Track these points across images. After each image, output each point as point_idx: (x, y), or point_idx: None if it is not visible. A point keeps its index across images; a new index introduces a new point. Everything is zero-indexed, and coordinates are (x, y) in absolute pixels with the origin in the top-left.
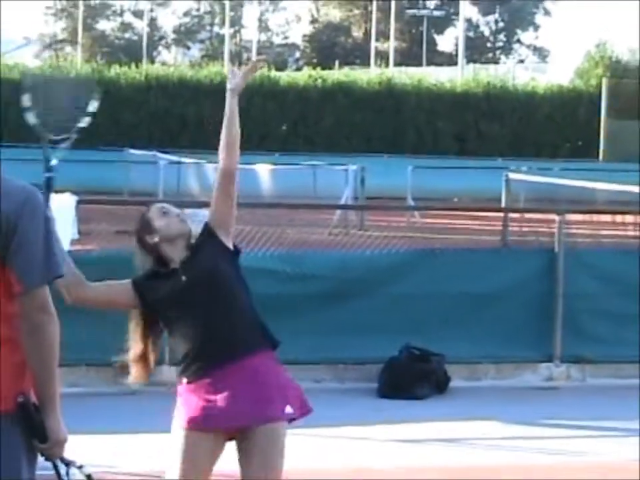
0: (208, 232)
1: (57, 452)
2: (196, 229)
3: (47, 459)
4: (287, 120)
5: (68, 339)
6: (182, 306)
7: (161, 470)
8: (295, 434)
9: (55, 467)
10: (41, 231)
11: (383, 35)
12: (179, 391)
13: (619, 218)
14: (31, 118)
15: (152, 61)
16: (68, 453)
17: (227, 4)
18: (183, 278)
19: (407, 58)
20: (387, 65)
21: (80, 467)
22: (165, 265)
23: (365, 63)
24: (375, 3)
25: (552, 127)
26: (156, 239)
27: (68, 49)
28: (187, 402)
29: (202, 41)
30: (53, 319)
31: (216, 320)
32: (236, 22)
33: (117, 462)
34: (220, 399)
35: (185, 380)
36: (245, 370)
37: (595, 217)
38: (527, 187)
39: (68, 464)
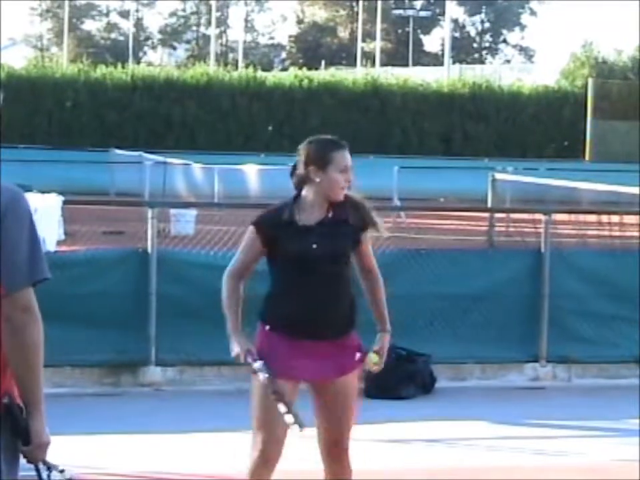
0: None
1: (39, 455)
2: (180, 230)
3: (28, 462)
4: (273, 120)
5: (54, 340)
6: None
7: (146, 470)
8: None
9: (37, 471)
10: (25, 233)
11: (369, 36)
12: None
13: (604, 218)
14: None
15: (138, 62)
16: (53, 454)
17: (213, 4)
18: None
19: (393, 58)
20: (373, 65)
21: (62, 471)
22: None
23: (351, 63)
24: (361, 4)
25: (538, 127)
26: (317, 179)
27: (54, 49)
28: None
29: (188, 42)
30: (36, 321)
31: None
32: (222, 22)
33: (103, 463)
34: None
35: None
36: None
37: (581, 217)
38: (513, 187)
39: (50, 468)
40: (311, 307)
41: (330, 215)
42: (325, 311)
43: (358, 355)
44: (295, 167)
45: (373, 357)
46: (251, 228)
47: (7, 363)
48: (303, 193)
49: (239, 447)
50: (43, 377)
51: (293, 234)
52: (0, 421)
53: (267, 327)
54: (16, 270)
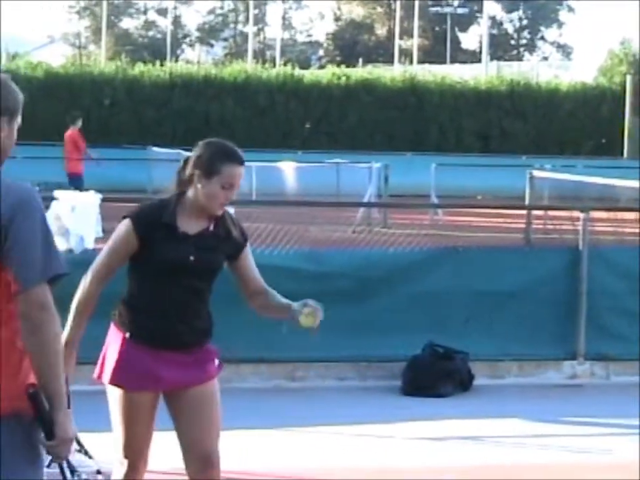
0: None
1: (63, 451)
2: None
3: (53, 460)
4: (311, 118)
5: (92, 338)
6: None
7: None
8: (317, 432)
9: (62, 471)
10: (38, 230)
11: (407, 33)
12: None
13: None
14: None
15: (176, 59)
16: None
17: (251, 2)
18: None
19: (431, 56)
20: (411, 62)
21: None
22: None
23: (389, 60)
24: (398, 1)
25: (575, 124)
26: (199, 186)
27: (91, 47)
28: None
29: (225, 39)
30: (53, 317)
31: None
32: (259, 20)
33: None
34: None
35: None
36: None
37: (619, 215)
38: (550, 184)
39: (73, 471)
40: (173, 318)
41: (211, 228)
42: (187, 324)
43: (217, 361)
44: (186, 163)
45: (304, 317)
46: (127, 223)
47: (23, 361)
48: (188, 194)
49: (270, 444)
50: (63, 372)
51: (171, 240)
52: (11, 422)
53: (127, 335)
54: (29, 266)
